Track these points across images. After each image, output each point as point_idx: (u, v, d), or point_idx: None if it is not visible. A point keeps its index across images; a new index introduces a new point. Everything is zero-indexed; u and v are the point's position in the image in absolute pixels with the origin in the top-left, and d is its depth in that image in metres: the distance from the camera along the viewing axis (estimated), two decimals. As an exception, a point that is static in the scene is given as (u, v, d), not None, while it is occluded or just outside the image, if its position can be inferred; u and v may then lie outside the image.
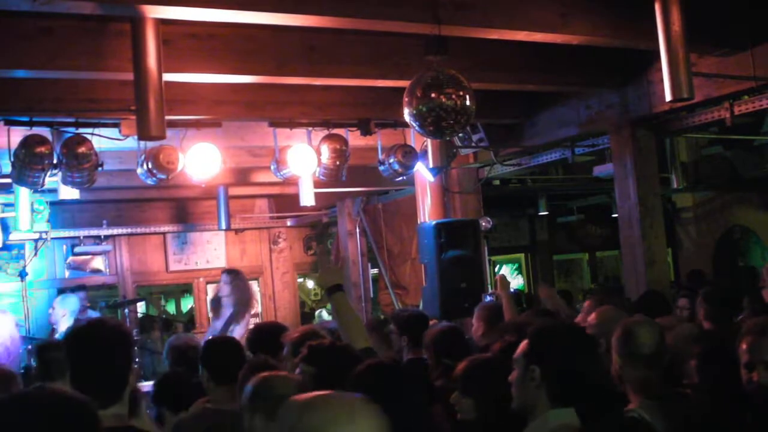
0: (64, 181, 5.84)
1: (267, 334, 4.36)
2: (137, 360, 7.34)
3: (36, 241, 9.47)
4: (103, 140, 5.74)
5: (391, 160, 6.67)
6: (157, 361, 8.30)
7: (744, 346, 2.91)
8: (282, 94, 6.02)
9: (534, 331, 2.73)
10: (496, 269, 13.26)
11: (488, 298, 6.16)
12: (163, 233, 10.84)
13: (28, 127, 5.51)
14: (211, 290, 11.18)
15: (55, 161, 5.52)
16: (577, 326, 3.45)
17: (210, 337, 5.65)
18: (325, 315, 11.36)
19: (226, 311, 7.82)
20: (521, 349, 2.67)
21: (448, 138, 6.07)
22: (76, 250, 10.06)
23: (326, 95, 6.19)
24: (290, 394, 2.64)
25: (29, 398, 1.85)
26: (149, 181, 6.03)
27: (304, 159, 6.40)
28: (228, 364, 3.62)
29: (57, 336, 7.56)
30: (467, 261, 6.90)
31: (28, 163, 5.48)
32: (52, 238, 9.48)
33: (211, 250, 11.19)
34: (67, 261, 10.16)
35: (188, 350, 4.96)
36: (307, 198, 7.02)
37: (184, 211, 10.85)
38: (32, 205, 7.81)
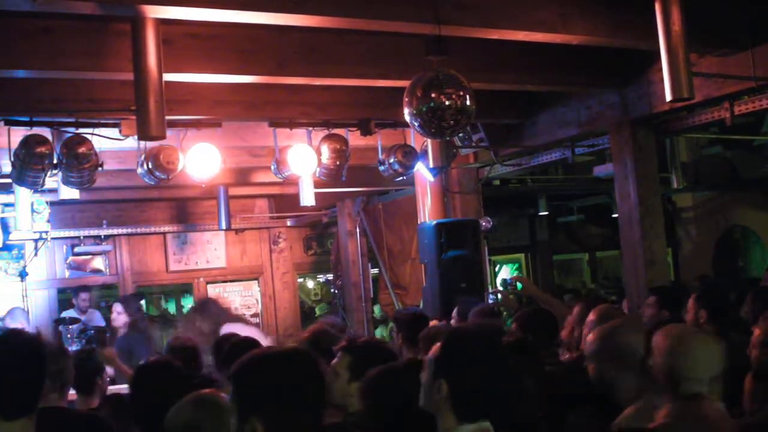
0: (64, 181, 5.84)
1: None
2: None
3: (36, 241, 9.47)
4: (103, 140, 5.74)
5: (391, 160, 6.67)
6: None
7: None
8: (282, 94, 6.02)
9: (446, 339, 2.43)
10: (496, 269, 13.26)
11: (492, 298, 6.17)
12: (163, 233, 10.84)
13: (28, 127, 5.51)
14: (211, 290, 11.20)
15: (55, 161, 5.51)
16: (494, 335, 3.33)
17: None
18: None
19: None
20: (433, 352, 2.41)
21: (448, 138, 6.06)
22: (76, 250, 10.07)
23: (326, 95, 6.18)
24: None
25: None
26: (149, 181, 6.03)
27: (304, 159, 6.40)
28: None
29: None
30: (467, 261, 6.90)
31: (28, 163, 5.48)
32: (52, 238, 9.47)
33: (211, 250, 11.19)
34: (67, 261, 10.16)
35: (184, 351, 4.94)
36: (307, 198, 7.01)
37: (184, 211, 10.84)
38: (32, 205, 7.80)
